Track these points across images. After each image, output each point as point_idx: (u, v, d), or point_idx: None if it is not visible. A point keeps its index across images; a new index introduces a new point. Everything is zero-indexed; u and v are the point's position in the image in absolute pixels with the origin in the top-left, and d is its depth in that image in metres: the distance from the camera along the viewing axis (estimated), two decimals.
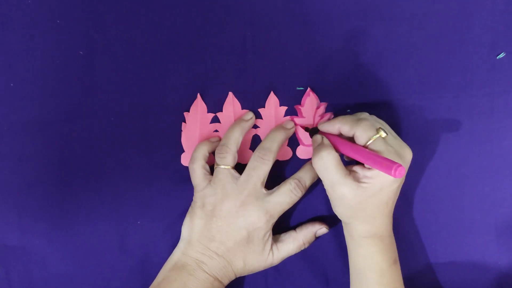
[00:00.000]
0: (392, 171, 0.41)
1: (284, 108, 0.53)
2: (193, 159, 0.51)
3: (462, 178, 0.53)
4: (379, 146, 0.45)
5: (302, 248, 0.52)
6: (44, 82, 0.54)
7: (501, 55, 0.52)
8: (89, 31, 0.53)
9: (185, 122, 0.54)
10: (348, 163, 0.51)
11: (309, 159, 0.53)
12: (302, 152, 0.53)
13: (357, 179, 0.46)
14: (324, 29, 0.53)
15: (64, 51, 0.54)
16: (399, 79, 0.52)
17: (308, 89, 0.53)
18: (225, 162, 0.50)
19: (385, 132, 0.46)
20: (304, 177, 0.51)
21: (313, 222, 0.53)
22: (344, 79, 0.53)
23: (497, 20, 0.52)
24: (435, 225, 0.53)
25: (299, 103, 0.53)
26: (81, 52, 0.54)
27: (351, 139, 0.48)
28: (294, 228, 0.53)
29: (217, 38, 0.53)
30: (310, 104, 0.53)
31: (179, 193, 0.54)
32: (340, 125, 0.48)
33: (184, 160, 0.54)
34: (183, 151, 0.54)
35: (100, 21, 0.53)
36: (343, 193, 0.46)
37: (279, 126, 0.52)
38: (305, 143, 0.53)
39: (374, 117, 0.49)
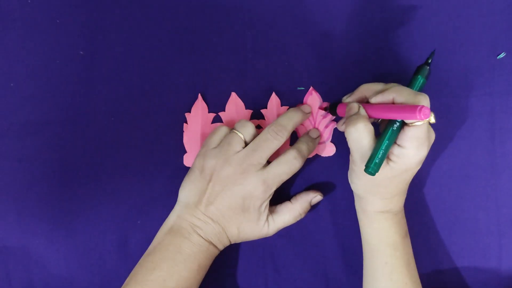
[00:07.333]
0: (417, 113, 0.40)
1: (286, 108, 0.53)
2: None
3: (464, 178, 0.53)
4: (421, 129, 0.43)
5: (298, 219, 0.52)
6: (44, 82, 0.54)
7: (501, 55, 0.52)
8: (89, 31, 0.53)
9: (186, 122, 0.53)
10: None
11: (312, 157, 0.53)
12: None
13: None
14: (324, 29, 0.53)
15: (64, 51, 0.54)
16: (399, 79, 0.52)
17: (311, 88, 0.53)
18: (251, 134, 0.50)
19: (434, 117, 0.44)
20: (302, 147, 0.50)
21: (307, 191, 0.53)
22: (345, 79, 0.53)
23: (497, 20, 0.52)
24: (437, 225, 0.54)
25: (300, 103, 0.53)
26: (81, 52, 0.54)
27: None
28: (289, 199, 0.52)
29: (218, 39, 0.53)
30: (312, 103, 0.53)
31: None
32: (396, 96, 0.44)
33: (187, 161, 0.53)
34: (183, 151, 0.54)
35: (100, 21, 0.53)
36: None
37: (297, 108, 0.52)
38: None
39: None
